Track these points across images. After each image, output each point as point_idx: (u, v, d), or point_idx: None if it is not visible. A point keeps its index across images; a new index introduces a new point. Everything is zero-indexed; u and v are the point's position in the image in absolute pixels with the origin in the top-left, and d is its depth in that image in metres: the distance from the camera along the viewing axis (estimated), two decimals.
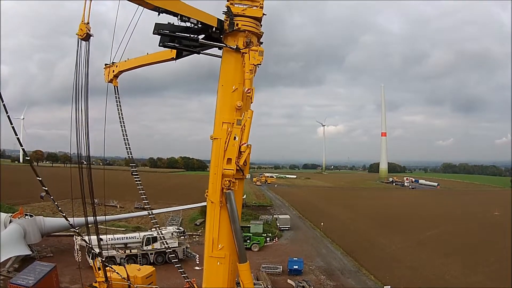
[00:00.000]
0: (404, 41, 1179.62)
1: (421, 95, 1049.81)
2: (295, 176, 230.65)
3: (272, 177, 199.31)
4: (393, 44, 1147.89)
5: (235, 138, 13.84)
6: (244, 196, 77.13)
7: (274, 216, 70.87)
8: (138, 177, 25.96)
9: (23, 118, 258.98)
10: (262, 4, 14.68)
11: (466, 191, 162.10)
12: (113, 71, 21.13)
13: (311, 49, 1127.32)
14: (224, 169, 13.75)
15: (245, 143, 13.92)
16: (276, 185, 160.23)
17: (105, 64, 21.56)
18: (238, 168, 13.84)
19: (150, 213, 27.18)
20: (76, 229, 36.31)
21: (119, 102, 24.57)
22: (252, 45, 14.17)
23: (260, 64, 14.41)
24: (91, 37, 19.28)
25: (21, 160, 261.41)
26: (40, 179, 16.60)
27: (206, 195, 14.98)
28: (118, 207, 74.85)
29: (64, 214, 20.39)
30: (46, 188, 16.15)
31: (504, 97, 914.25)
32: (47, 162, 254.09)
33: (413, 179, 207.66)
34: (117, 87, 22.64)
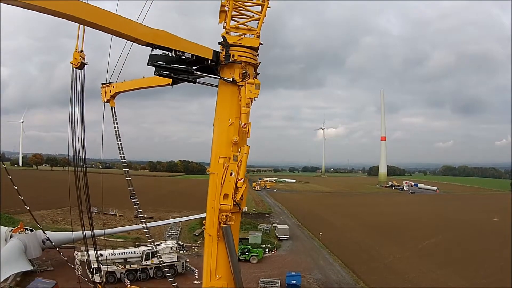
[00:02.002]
0: (404, 42, 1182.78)
1: (421, 97, 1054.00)
2: (294, 181, 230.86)
3: (272, 181, 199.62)
4: (394, 46, 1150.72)
5: (231, 174, 13.92)
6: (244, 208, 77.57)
7: (273, 225, 71.06)
8: (136, 201, 26.47)
9: (23, 122, 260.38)
10: (259, 33, 14.58)
11: (465, 195, 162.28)
12: (110, 91, 21.33)
13: (311, 51, 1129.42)
14: (221, 204, 13.89)
15: (241, 179, 14.02)
16: (275, 190, 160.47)
17: (102, 84, 21.74)
18: (234, 203, 13.99)
19: (146, 228, 27.71)
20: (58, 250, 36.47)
21: (116, 123, 24.94)
22: (249, 77, 14.13)
23: (256, 98, 14.31)
24: (85, 65, 19.38)
25: (20, 164, 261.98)
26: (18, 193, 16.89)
27: (204, 228, 15.27)
28: (118, 215, 74.97)
29: (52, 243, 20.65)
30: (48, 236, 16.52)
31: (504, 99, 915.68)
32: (46, 165, 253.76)
33: (412, 183, 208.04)
34: (114, 107, 22.90)
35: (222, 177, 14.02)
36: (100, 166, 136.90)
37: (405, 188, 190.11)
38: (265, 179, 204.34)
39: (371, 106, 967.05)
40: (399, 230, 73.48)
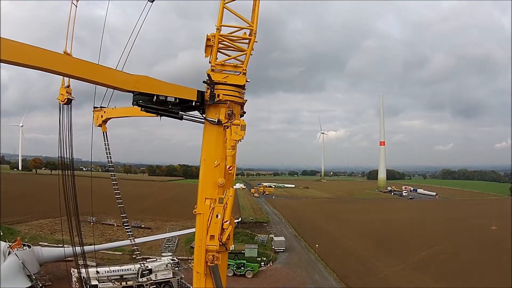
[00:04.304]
0: (404, 45, 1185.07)
1: (422, 100, 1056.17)
2: (293, 186, 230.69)
3: (270, 186, 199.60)
4: (394, 49, 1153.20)
5: (217, 216, 14.11)
6: (239, 219, 77.32)
7: (270, 235, 71.30)
8: (128, 226, 26.94)
9: (22, 126, 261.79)
10: (246, 70, 14.43)
11: (464, 201, 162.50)
12: (102, 116, 21.68)
13: (312, 55, 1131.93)
14: (207, 244, 14.16)
15: (227, 220, 14.23)
16: (274, 197, 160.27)
17: (94, 107, 22.12)
18: (221, 243, 14.24)
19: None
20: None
21: (108, 148, 25.34)
22: (234, 117, 14.04)
23: (242, 139, 14.22)
24: (72, 101, 19.70)
25: (20, 167, 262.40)
26: None
27: (192, 266, 15.64)
28: (115, 225, 74.97)
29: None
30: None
31: (504, 101, 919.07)
32: (45, 169, 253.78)
33: (412, 188, 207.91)
34: (105, 132, 23.32)
35: (208, 219, 14.22)
36: (92, 170, 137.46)
37: (404, 194, 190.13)
38: (264, 184, 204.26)
39: (371, 109, 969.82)
40: (396, 239, 73.67)
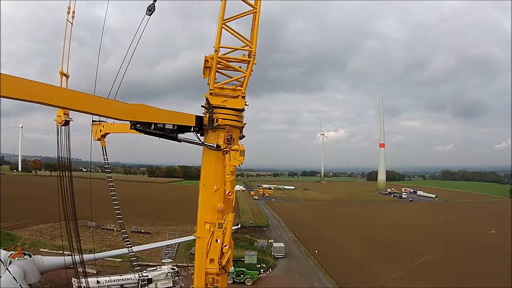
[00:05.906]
0: (405, 46, 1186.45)
1: (422, 100, 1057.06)
2: (293, 187, 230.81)
3: (270, 188, 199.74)
4: (395, 50, 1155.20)
5: (217, 240, 14.21)
6: (238, 226, 77.18)
7: (270, 240, 71.44)
8: (128, 243, 27.14)
9: (22, 127, 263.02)
10: (244, 93, 14.31)
11: (464, 203, 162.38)
12: (100, 130, 21.82)
13: (312, 55, 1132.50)
14: (207, 268, 14.30)
15: (227, 245, 14.38)
16: (273, 199, 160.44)
17: (93, 121, 22.25)
18: (220, 266, 14.39)
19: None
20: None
21: (107, 163, 25.43)
22: (233, 142, 13.98)
23: (241, 164, 14.15)
24: (70, 122, 19.76)
25: (20, 168, 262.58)
26: None
27: (192, 287, 15.89)
28: (115, 230, 75.04)
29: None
30: None
31: (504, 102, 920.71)
32: (45, 170, 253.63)
33: (411, 190, 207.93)
34: (104, 147, 23.43)
35: (208, 243, 14.32)
36: (91, 170, 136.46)
37: (403, 196, 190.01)
38: (264, 186, 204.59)
39: (371, 109, 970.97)
40: (396, 244, 73.81)
